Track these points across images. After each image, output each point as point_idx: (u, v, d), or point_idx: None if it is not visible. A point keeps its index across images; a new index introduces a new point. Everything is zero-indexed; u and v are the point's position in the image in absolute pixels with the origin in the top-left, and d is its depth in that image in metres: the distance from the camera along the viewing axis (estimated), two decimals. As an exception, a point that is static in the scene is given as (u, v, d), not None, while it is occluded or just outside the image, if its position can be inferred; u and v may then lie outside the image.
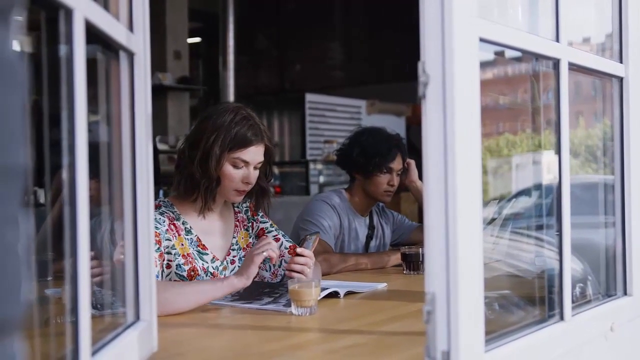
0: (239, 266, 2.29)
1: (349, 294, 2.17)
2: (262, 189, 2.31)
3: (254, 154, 2.20)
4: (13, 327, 0.56)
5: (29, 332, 0.88)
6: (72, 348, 0.99)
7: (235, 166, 2.19)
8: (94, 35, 1.09)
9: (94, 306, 1.21)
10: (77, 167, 0.99)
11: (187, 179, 2.20)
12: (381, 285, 2.34)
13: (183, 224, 2.23)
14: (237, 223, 2.37)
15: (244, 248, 2.35)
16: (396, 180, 2.99)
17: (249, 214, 2.41)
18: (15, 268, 0.55)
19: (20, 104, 0.58)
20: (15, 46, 0.60)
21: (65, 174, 1.00)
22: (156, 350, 1.43)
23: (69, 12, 0.98)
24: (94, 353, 1.07)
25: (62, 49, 1.00)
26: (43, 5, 0.97)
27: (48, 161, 1.03)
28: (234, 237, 2.35)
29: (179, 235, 2.19)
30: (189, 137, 2.24)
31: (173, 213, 2.22)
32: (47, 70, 1.04)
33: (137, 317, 1.36)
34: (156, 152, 4.12)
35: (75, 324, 0.99)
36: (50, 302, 1.46)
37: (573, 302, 1.52)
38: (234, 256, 2.33)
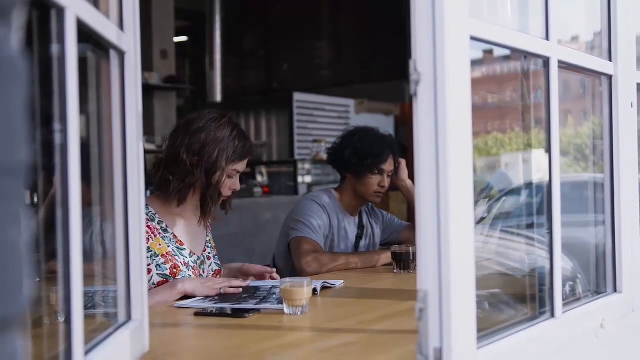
0: (215, 262, 2.41)
1: (324, 288, 2.22)
2: None
3: (245, 164, 2.32)
4: (15, 324, 0.56)
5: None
6: (65, 348, 0.99)
7: (230, 176, 2.27)
8: (84, 34, 1.09)
9: (85, 306, 1.21)
10: (70, 167, 0.98)
11: (188, 188, 2.23)
12: (338, 283, 2.35)
13: (159, 223, 2.25)
14: (208, 224, 2.45)
15: (214, 247, 2.45)
16: (387, 182, 2.98)
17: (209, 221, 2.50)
18: (18, 265, 0.55)
19: (22, 102, 0.58)
20: (16, 45, 0.60)
21: (56, 175, 0.99)
22: (147, 350, 1.42)
23: (60, 11, 0.97)
24: (86, 353, 1.06)
25: (54, 48, 0.99)
26: (34, 4, 0.96)
27: (40, 161, 1.02)
28: (207, 236, 2.43)
29: (155, 235, 2.20)
30: (187, 146, 2.22)
31: (147, 214, 2.22)
32: (37, 69, 1.03)
33: (129, 317, 1.36)
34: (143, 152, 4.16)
35: (68, 324, 0.99)
36: (36, 303, 1.45)
37: (563, 299, 1.53)
38: (208, 253, 2.41)
